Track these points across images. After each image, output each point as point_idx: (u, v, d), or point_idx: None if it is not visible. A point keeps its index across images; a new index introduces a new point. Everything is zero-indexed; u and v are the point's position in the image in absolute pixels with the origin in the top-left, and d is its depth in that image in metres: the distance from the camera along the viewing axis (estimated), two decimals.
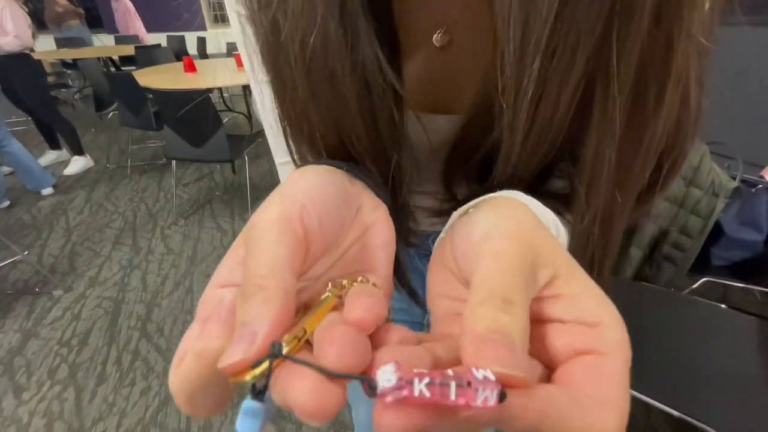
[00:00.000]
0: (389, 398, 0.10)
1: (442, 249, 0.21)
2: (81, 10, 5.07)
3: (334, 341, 0.12)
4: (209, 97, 2.04)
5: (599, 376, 0.13)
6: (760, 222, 1.13)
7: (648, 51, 0.19)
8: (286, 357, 0.12)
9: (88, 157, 3.11)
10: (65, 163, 3.06)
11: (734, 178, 1.11)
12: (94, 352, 1.52)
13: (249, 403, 0.12)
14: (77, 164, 3.03)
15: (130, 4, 5.17)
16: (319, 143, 0.25)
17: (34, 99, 2.75)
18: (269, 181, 2.84)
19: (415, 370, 0.11)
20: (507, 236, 0.16)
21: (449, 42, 0.28)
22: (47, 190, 2.69)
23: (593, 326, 0.14)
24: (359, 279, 0.18)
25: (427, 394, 0.10)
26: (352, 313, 0.14)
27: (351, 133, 0.24)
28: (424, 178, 0.36)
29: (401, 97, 0.24)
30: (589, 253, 0.25)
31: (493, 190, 0.23)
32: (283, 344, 0.12)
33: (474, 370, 0.11)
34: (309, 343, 0.14)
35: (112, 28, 5.92)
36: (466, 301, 0.14)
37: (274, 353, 0.12)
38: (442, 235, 0.23)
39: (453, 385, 0.10)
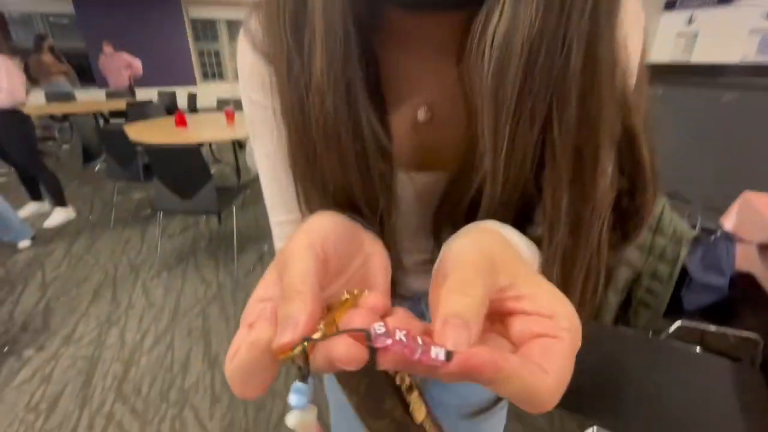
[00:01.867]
0: (378, 343, 0.15)
1: (434, 275, 0.26)
2: (66, 68, 5.24)
3: (356, 318, 0.17)
4: (200, 151, 2.10)
5: (549, 352, 0.17)
6: (722, 267, 1.22)
7: (578, 124, 0.26)
8: (314, 340, 0.17)
9: (71, 208, 3.08)
10: (46, 215, 3.01)
11: (694, 227, 1.21)
12: (63, 418, 1.42)
13: (297, 384, 0.17)
14: (58, 216, 2.99)
15: (128, 56, 5.41)
16: (329, 191, 0.31)
17: (21, 153, 2.76)
18: (255, 231, 2.85)
19: (397, 330, 0.16)
20: (472, 250, 0.21)
21: (431, 117, 0.34)
22: (24, 243, 2.63)
23: (549, 316, 0.18)
24: (366, 292, 0.24)
25: (404, 339, 0.16)
26: (367, 301, 0.19)
27: (352, 185, 0.30)
28: (414, 233, 0.41)
29: (391, 156, 0.31)
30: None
31: None
32: (321, 327, 0.17)
33: (433, 348, 0.16)
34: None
35: (102, 83, 6.10)
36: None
37: (306, 342, 0.17)
38: (436, 265, 0.29)
39: (419, 349, 0.16)
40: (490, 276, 0.19)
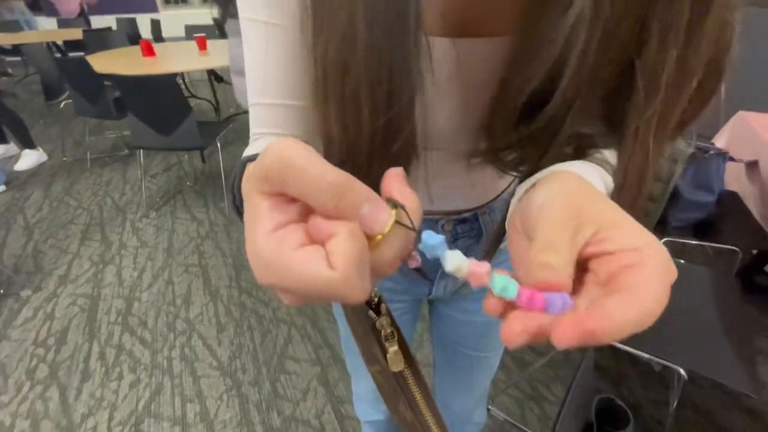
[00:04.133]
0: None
1: (514, 220, 0.25)
2: None
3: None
4: (176, 82, 1.95)
5: (641, 276, 0.17)
6: (711, 184, 1.25)
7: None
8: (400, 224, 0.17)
9: (41, 150, 2.90)
10: (15, 159, 2.84)
11: (689, 145, 1.21)
12: (75, 350, 1.47)
13: (427, 236, 0.18)
14: (29, 158, 2.82)
15: None
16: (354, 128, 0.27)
17: None
18: None
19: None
20: (557, 204, 0.21)
21: None
22: None
23: (634, 250, 0.18)
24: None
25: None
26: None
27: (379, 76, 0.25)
28: (448, 159, 0.38)
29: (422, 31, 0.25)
30: (622, 184, 0.27)
31: (535, 138, 0.27)
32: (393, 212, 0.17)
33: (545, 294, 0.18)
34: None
35: (52, 11, 5.44)
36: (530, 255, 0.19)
37: (396, 205, 0.18)
38: (512, 207, 0.27)
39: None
40: (576, 233, 0.19)
